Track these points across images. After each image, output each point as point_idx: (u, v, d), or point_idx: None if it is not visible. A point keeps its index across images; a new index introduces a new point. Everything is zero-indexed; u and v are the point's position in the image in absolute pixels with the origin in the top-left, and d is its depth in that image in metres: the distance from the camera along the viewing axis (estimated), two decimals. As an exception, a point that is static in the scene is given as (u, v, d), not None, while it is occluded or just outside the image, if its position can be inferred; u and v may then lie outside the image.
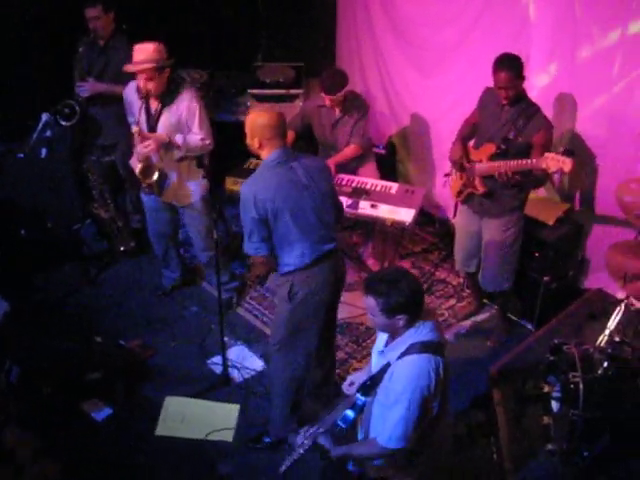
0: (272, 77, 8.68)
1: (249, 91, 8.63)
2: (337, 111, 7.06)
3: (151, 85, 5.94)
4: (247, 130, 4.93)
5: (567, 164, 5.15)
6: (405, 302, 3.77)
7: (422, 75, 7.96)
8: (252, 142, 4.90)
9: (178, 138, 6.12)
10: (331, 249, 5.10)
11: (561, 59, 6.42)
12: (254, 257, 5.00)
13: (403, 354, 3.86)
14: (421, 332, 3.88)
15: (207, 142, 6.18)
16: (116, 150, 7.41)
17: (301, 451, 4.21)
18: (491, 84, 6.09)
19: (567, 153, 5.18)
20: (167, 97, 6.09)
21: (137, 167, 6.25)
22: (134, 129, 6.08)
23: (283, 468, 4.29)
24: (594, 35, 6.19)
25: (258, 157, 5.01)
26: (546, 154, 5.26)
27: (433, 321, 3.97)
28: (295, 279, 5.03)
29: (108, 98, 7.12)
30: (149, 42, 5.93)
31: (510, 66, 5.50)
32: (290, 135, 7.27)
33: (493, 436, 5.53)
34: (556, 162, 5.18)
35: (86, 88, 7.06)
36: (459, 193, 6.21)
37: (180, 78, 6.41)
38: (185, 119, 6.11)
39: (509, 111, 5.69)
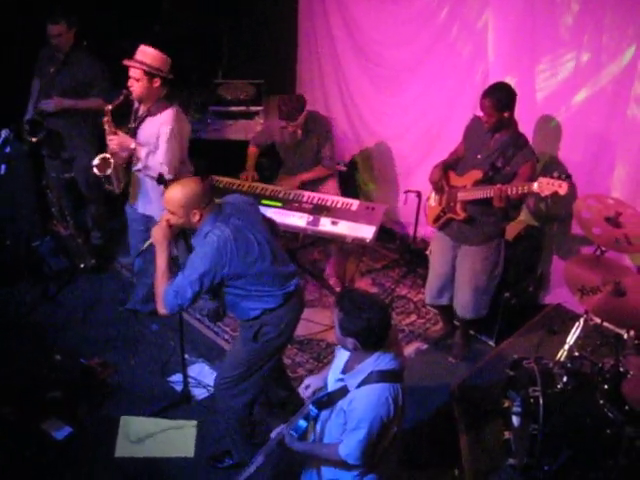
0: (233, 94, 8.70)
1: (210, 108, 8.63)
2: (298, 133, 7.05)
3: (135, 86, 5.92)
4: (178, 208, 4.65)
5: (563, 187, 5.16)
6: (359, 330, 3.77)
7: (382, 93, 8.03)
8: (190, 218, 4.68)
9: (142, 151, 6.05)
10: (297, 284, 5.11)
11: (519, 77, 6.50)
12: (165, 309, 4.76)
13: (363, 382, 3.87)
14: (381, 361, 3.88)
15: (164, 169, 6.02)
16: (75, 166, 7.36)
17: (254, 467, 4.22)
18: (452, 104, 6.16)
19: (563, 177, 5.20)
20: (154, 108, 6.07)
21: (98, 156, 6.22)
22: (104, 119, 6.07)
23: None
24: (553, 52, 6.28)
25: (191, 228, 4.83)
26: (539, 179, 5.24)
27: (394, 350, 3.97)
28: (264, 321, 4.97)
29: (71, 114, 7.10)
30: (155, 49, 5.94)
31: (492, 94, 5.50)
32: (253, 151, 7.31)
33: (454, 451, 5.55)
34: (551, 186, 5.18)
35: (51, 104, 7.00)
36: (437, 219, 6.18)
37: (174, 96, 6.32)
38: (155, 137, 6.06)
39: (499, 140, 5.68)
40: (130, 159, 6.25)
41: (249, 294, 4.87)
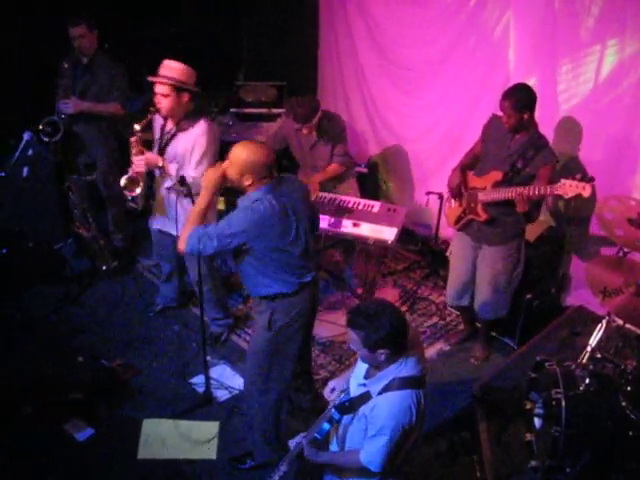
0: (254, 96, 8.72)
1: (231, 110, 8.65)
2: (313, 135, 7.06)
3: (164, 102, 5.82)
4: (236, 165, 4.63)
5: (587, 189, 5.14)
6: (386, 337, 3.74)
7: (403, 94, 8.02)
8: (240, 179, 4.64)
9: (172, 168, 5.98)
10: (314, 276, 5.11)
11: (540, 79, 6.48)
12: (185, 247, 4.74)
13: (385, 388, 3.86)
14: (404, 367, 3.87)
15: (197, 182, 5.72)
16: (97, 169, 7.40)
17: (277, 477, 4.23)
18: (474, 105, 6.14)
19: (586, 179, 5.19)
20: (184, 124, 5.96)
21: (124, 177, 6.18)
22: (132, 138, 6.03)
23: None
24: (573, 54, 6.26)
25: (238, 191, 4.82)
26: (562, 180, 5.21)
27: (417, 356, 3.95)
28: (276, 307, 4.98)
29: (90, 117, 7.14)
30: (180, 62, 5.85)
31: (511, 95, 5.51)
32: None
33: (476, 453, 5.54)
34: (574, 188, 5.16)
35: (70, 106, 7.01)
36: (458, 220, 6.17)
37: (201, 110, 6.20)
38: (189, 150, 5.94)
39: (519, 141, 5.68)
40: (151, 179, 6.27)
41: (267, 273, 4.87)
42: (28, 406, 5.82)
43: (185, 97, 5.87)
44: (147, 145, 6.21)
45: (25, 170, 6.87)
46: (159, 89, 5.81)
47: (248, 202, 4.68)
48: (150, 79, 5.86)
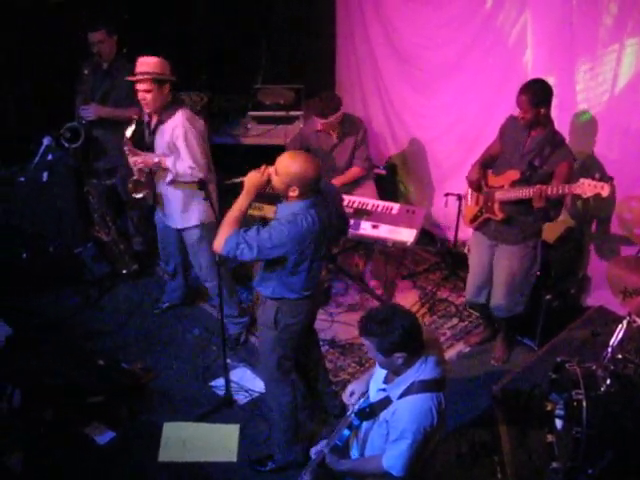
0: (272, 99, 8.75)
1: (249, 113, 8.68)
2: (334, 136, 7.08)
3: (149, 97, 5.93)
4: (285, 175, 4.56)
5: (605, 189, 5.12)
6: (399, 341, 3.75)
7: (421, 96, 8.01)
8: (286, 189, 4.59)
9: (169, 161, 6.05)
10: (315, 289, 5.13)
11: (558, 78, 6.45)
12: (222, 250, 4.72)
13: (405, 392, 3.87)
14: (424, 370, 3.88)
15: (196, 171, 5.97)
16: (117, 174, 7.43)
17: (307, 479, 4.24)
18: (492, 105, 6.11)
19: (604, 179, 5.17)
20: (164, 115, 6.07)
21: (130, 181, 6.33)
22: (125, 147, 6.21)
23: None
24: (591, 54, 6.24)
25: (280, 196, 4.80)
26: (581, 180, 5.20)
27: (436, 356, 3.96)
28: (282, 306, 5.00)
29: (109, 122, 7.16)
30: (153, 56, 5.98)
31: (528, 90, 5.50)
32: None
33: (497, 455, 5.52)
34: (593, 188, 5.14)
35: (90, 111, 7.06)
36: (474, 219, 6.17)
37: (180, 100, 6.40)
38: (172, 141, 6.03)
39: (535, 139, 5.66)
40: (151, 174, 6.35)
41: (281, 278, 4.88)
42: (49, 409, 5.84)
43: (166, 88, 6.00)
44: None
45: (45, 175, 6.90)
46: (140, 86, 5.94)
47: (290, 214, 4.64)
48: (129, 79, 6.02)
